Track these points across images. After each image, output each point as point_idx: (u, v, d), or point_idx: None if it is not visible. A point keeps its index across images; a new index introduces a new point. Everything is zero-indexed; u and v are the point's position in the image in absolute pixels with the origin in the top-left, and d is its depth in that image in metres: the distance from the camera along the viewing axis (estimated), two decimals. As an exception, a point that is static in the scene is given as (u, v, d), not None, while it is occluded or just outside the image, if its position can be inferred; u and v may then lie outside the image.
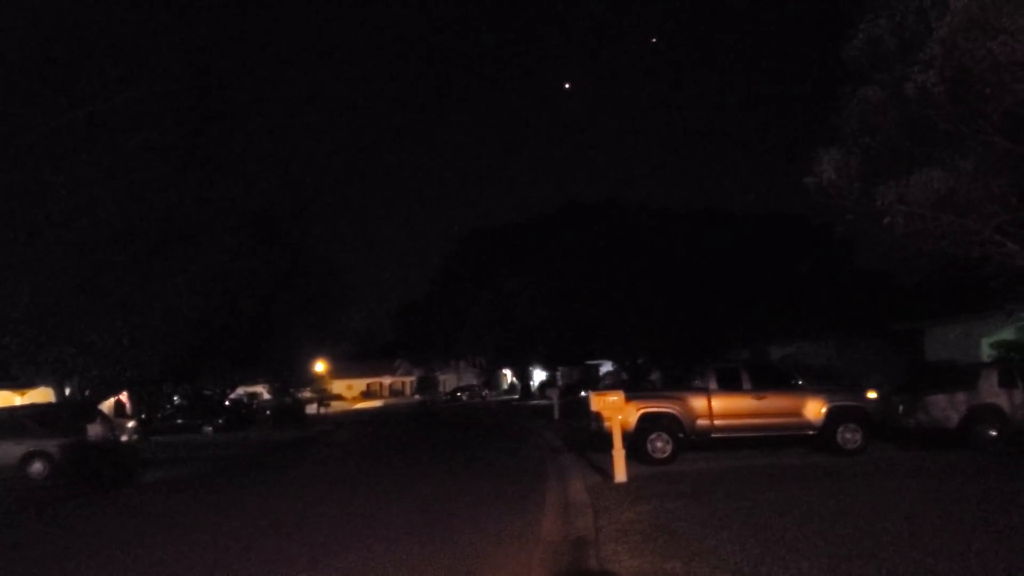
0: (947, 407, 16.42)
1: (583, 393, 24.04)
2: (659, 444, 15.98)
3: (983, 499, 10.27)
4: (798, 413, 16.61)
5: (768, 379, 17.47)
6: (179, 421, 35.56)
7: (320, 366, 50.32)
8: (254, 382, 47.60)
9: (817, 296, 36.68)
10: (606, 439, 14.09)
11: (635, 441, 15.67)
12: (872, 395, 17.32)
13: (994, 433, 16.01)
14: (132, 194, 18.34)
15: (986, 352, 23.20)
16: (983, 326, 23.63)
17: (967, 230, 10.08)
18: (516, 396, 67.22)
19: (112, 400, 27.70)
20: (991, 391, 16.40)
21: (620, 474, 13.37)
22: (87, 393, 24.39)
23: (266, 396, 48.30)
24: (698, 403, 16.59)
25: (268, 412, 42.62)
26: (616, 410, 13.92)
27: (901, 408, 17.28)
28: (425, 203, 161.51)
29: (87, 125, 17.67)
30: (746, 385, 16.89)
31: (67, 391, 24.05)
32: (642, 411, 16.20)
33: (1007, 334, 22.75)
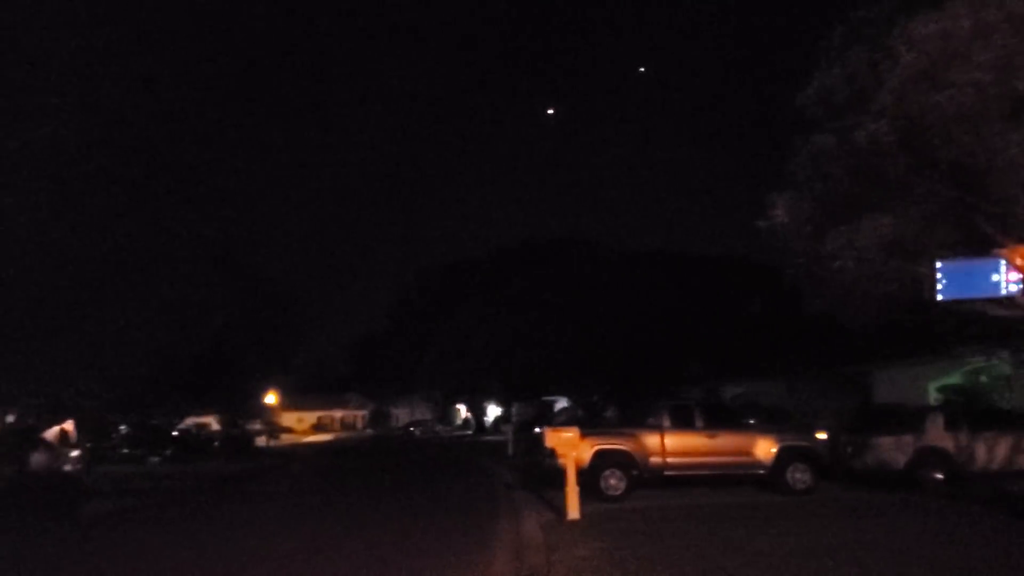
0: (894, 449, 16.67)
1: (537, 429, 24.01)
2: (613, 481, 16.02)
3: (929, 541, 10.44)
4: (749, 452, 16.78)
5: (720, 418, 17.66)
6: (125, 451, 34.68)
7: (271, 398, 49.62)
8: (203, 413, 46.71)
9: (768, 337, 37.21)
10: (560, 475, 14.07)
11: (589, 478, 15.64)
12: (822, 436, 17.55)
13: (940, 476, 16.28)
14: (86, 221, 18.04)
15: (932, 396, 23.68)
16: (930, 370, 24.15)
17: (915, 275, 10.36)
18: (470, 431, 66.81)
19: (57, 428, 26.97)
20: (937, 434, 16.69)
21: (573, 511, 13.34)
22: (31, 422, 23.74)
23: (215, 427, 47.36)
24: (651, 440, 16.69)
25: (217, 443, 41.83)
26: (571, 447, 13.93)
27: (850, 449, 17.53)
28: (383, 235, 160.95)
29: (41, 149, 17.40)
30: (699, 423, 17.04)
31: (10, 419, 23.39)
32: (596, 448, 16.23)
33: (954, 378, 23.27)
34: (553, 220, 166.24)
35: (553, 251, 50.56)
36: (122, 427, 37.49)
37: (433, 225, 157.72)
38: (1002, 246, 9.76)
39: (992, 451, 16.32)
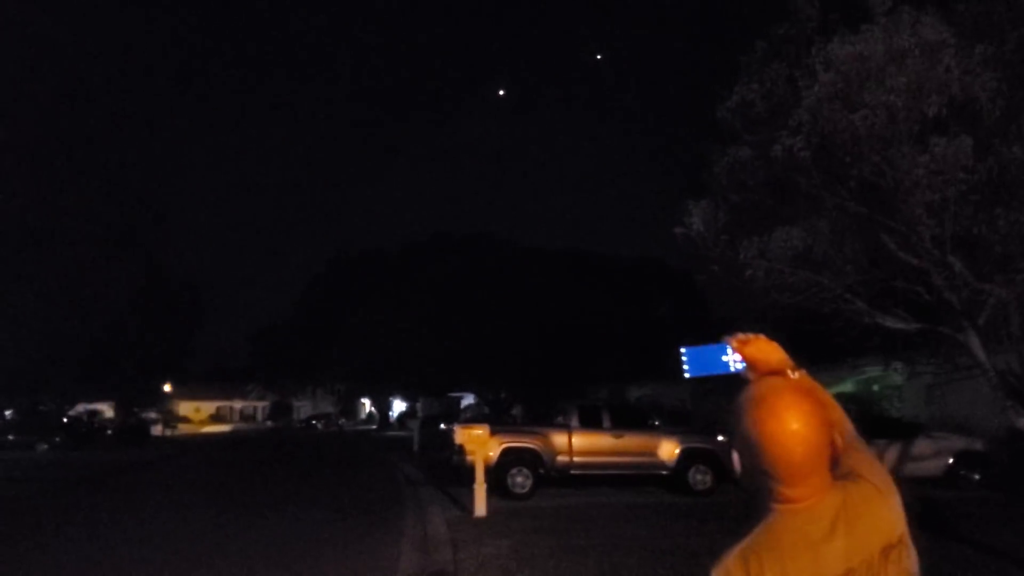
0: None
1: (443, 425, 23.99)
2: (520, 479, 16.09)
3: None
4: (653, 453, 17.11)
5: (627, 419, 17.94)
6: (10, 437, 33.12)
7: (168, 386, 48.21)
8: (96, 399, 45.01)
9: (675, 340, 37.91)
10: (467, 473, 14.07)
11: (496, 475, 15.69)
12: (723, 438, 18.02)
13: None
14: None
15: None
16: (826, 378, 25.04)
17: (821, 287, 10.73)
18: (374, 426, 66.26)
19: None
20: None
21: (480, 508, 13.36)
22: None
23: (108, 414, 45.69)
24: (559, 439, 16.84)
25: (110, 431, 40.39)
26: (480, 444, 13.97)
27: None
28: (292, 225, 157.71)
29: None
30: (606, 424, 17.28)
31: None
32: (505, 445, 16.29)
33: (848, 386, 24.22)
34: (465, 215, 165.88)
35: (464, 246, 50.60)
36: (7, 412, 35.84)
37: (343, 216, 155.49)
38: (904, 263, 10.25)
39: (882, 458, 17.03)
